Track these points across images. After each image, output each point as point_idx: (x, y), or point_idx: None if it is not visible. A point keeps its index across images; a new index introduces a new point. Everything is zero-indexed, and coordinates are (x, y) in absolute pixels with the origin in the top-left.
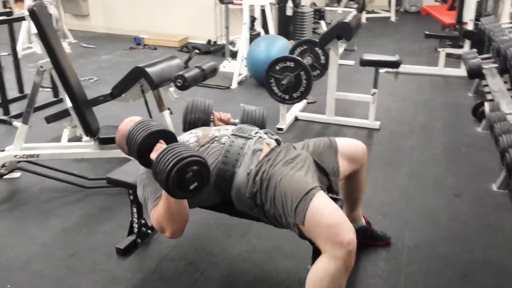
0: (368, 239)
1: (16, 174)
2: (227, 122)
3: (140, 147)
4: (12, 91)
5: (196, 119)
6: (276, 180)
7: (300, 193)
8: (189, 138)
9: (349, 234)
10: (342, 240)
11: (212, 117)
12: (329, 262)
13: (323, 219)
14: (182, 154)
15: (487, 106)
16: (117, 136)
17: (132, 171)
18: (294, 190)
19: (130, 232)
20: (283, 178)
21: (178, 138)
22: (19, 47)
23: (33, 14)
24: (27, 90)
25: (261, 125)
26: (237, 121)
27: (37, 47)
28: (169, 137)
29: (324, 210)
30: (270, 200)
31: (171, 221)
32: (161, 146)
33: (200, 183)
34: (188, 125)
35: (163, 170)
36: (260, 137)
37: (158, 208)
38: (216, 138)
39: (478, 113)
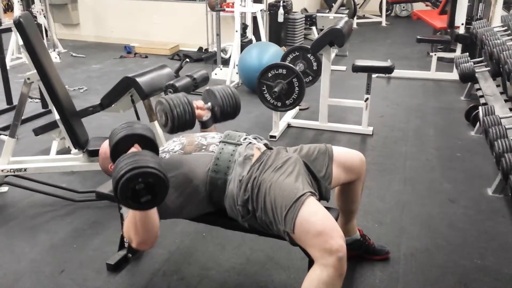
0: (364, 253)
1: (4, 189)
2: (202, 108)
3: (113, 149)
4: (0, 103)
5: (183, 121)
6: (266, 186)
7: (290, 200)
8: (173, 147)
9: (337, 240)
10: (331, 247)
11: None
12: (322, 271)
13: (312, 226)
14: (138, 163)
15: (481, 111)
16: (100, 160)
17: None
18: (284, 197)
19: (121, 246)
20: (272, 184)
21: (162, 147)
22: (8, 58)
23: (19, 25)
24: (16, 101)
25: (234, 104)
26: (209, 104)
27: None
28: (147, 143)
29: (313, 218)
30: (261, 207)
31: (136, 232)
32: (132, 151)
33: (153, 198)
34: (177, 130)
35: (114, 176)
36: (250, 142)
37: (128, 217)
38: (204, 147)
39: (471, 117)
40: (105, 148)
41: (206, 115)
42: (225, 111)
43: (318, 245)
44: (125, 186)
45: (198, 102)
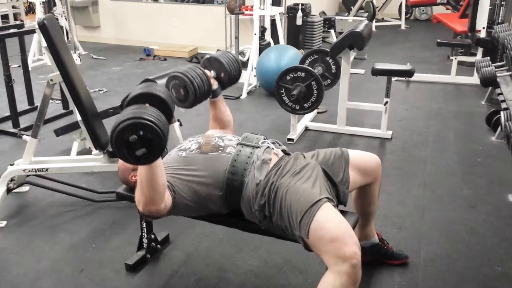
0: (383, 258)
1: (25, 188)
2: (211, 77)
3: (127, 104)
4: (22, 104)
5: (202, 92)
6: (283, 191)
7: (306, 206)
8: (190, 145)
9: (351, 247)
10: (344, 254)
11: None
12: (335, 278)
13: (326, 233)
14: (134, 115)
15: (503, 116)
16: (119, 171)
17: None
18: (300, 202)
19: (140, 247)
20: (289, 189)
21: (179, 145)
22: (29, 59)
23: (43, 28)
24: (37, 102)
25: (238, 68)
26: (213, 73)
27: (48, 59)
28: (161, 105)
29: (328, 224)
30: (277, 212)
31: (142, 191)
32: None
33: (149, 152)
34: (197, 102)
35: (113, 125)
36: (268, 146)
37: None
38: (221, 148)
39: (492, 122)
40: (123, 164)
41: (215, 84)
42: (232, 76)
43: (332, 252)
44: (119, 137)
45: (207, 72)
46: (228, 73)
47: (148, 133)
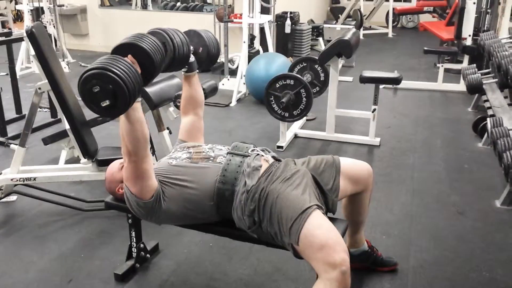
0: (372, 265)
1: (13, 198)
2: None
3: (111, 53)
4: (9, 112)
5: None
6: (273, 197)
7: (296, 212)
8: (180, 154)
9: (340, 254)
10: (334, 261)
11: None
12: (325, 285)
13: (316, 240)
14: (100, 65)
15: (489, 122)
16: (106, 183)
17: None
18: (290, 209)
19: (129, 256)
20: (279, 196)
21: (169, 154)
22: (17, 67)
23: (32, 36)
24: (25, 110)
25: (217, 46)
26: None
27: (36, 67)
28: (145, 59)
29: (318, 231)
30: (267, 218)
31: (124, 144)
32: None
33: (114, 104)
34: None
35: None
36: (258, 154)
37: None
38: (211, 158)
39: (478, 129)
40: (112, 170)
41: (192, 57)
42: (211, 53)
43: (321, 259)
44: (83, 87)
45: None
46: (207, 48)
47: (109, 85)
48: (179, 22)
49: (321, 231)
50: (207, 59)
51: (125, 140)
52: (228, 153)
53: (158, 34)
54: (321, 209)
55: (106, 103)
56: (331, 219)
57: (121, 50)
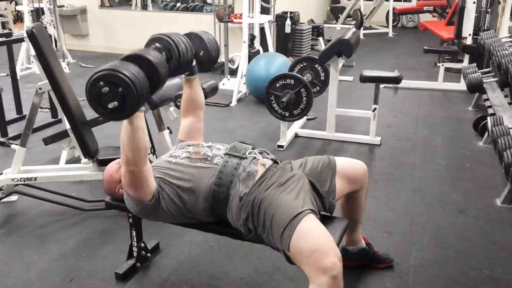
0: (369, 262)
1: (14, 198)
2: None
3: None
4: (10, 112)
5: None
6: (266, 204)
7: (288, 218)
8: (180, 153)
9: (331, 258)
10: (324, 265)
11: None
12: None
13: (307, 245)
14: (109, 67)
15: (489, 121)
16: (105, 184)
17: None
18: (282, 215)
19: (130, 256)
20: (272, 202)
21: (169, 152)
22: (18, 68)
23: (32, 36)
24: (26, 111)
25: (217, 49)
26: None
27: (36, 68)
28: (152, 71)
29: (309, 236)
30: (261, 225)
31: (123, 151)
32: None
33: (121, 106)
34: (179, 70)
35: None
36: (254, 157)
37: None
38: (209, 158)
39: (479, 127)
40: (111, 171)
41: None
42: (212, 57)
43: (312, 264)
44: (92, 86)
45: None
46: (208, 52)
47: (119, 86)
48: (179, 22)
49: (312, 236)
50: (207, 62)
51: (125, 148)
52: (225, 154)
53: (163, 40)
54: (314, 213)
55: (114, 104)
56: (331, 218)
57: (129, 60)
